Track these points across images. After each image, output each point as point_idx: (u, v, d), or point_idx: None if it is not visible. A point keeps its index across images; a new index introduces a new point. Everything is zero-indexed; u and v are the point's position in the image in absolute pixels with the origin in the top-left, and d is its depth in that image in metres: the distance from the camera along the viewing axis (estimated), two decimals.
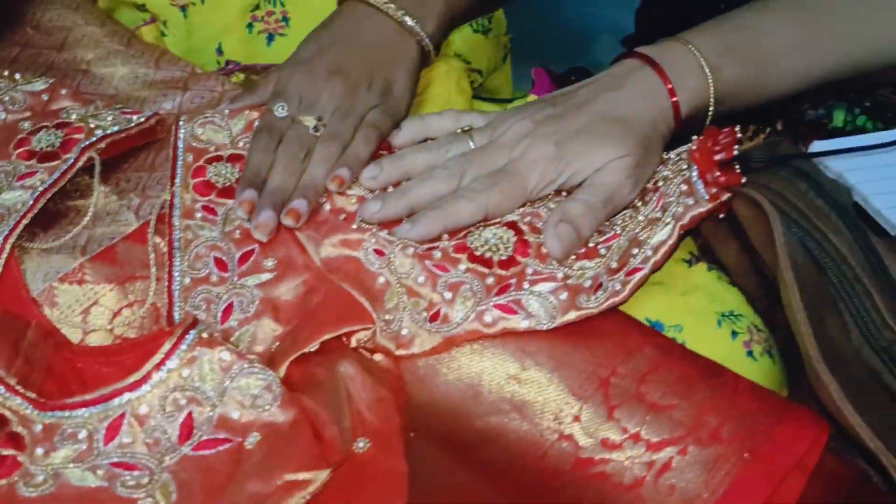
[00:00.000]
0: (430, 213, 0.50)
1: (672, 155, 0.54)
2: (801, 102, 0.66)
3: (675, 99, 0.53)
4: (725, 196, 0.47)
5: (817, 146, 0.57)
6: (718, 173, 0.47)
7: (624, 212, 0.52)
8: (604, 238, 0.49)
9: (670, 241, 0.46)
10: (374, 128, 0.56)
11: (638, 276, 0.46)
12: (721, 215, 0.49)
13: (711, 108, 0.54)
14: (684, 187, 0.48)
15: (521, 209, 0.52)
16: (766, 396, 0.43)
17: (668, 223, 0.47)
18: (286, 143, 0.55)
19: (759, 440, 0.41)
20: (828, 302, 0.43)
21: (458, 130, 0.56)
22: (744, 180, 0.47)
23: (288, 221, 0.52)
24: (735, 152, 0.49)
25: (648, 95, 0.53)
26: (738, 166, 0.49)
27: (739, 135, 0.51)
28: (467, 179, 0.52)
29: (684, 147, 0.53)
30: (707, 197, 0.47)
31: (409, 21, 0.59)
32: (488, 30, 0.80)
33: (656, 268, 0.46)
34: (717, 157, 0.49)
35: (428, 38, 0.60)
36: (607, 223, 0.51)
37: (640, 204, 0.52)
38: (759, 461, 0.40)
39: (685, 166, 0.50)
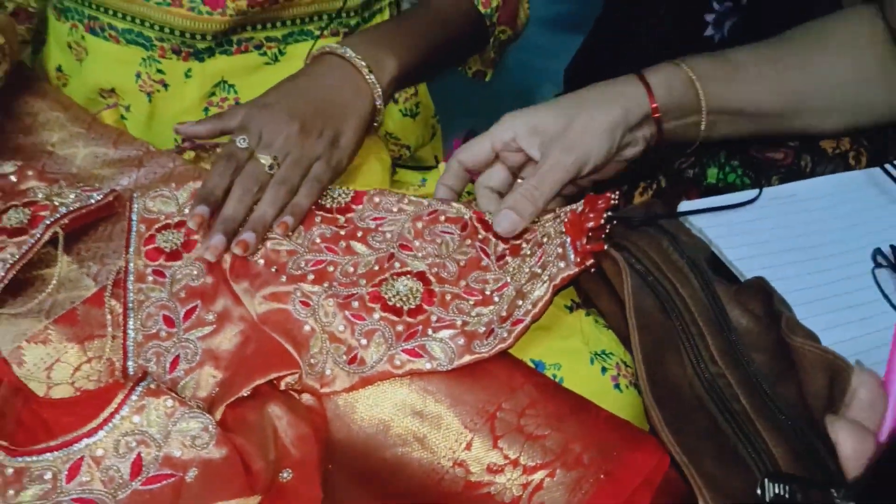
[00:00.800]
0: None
1: (561, 214, 0.63)
2: (680, 162, 0.76)
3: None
4: (589, 262, 0.56)
5: (683, 206, 0.67)
6: (586, 243, 0.56)
7: (515, 260, 0.61)
8: (498, 286, 0.58)
9: (546, 297, 0.55)
10: (318, 181, 0.65)
11: (520, 326, 0.55)
12: (593, 270, 0.58)
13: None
14: (560, 250, 0.57)
15: (430, 259, 0.61)
16: (621, 426, 0.52)
17: (544, 281, 0.56)
18: (243, 177, 0.64)
19: (613, 464, 0.49)
20: (671, 342, 0.52)
21: None
22: (606, 247, 0.56)
23: (237, 250, 0.60)
24: (604, 219, 0.58)
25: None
26: (610, 226, 0.59)
27: (615, 201, 0.60)
28: None
29: (570, 207, 0.63)
30: (575, 262, 0.55)
31: (371, 77, 0.69)
32: (416, 114, 0.91)
33: (535, 319, 0.55)
34: (589, 225, 0.58)
35: (381, 94, 0.70)
36: (501, 272, 0.60)
37: (528, 253, 0.61)
38: (612, 481, 0.49)
39: (563, 229, 0.59)
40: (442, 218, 0.64)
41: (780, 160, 0.73)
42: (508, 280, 0.58)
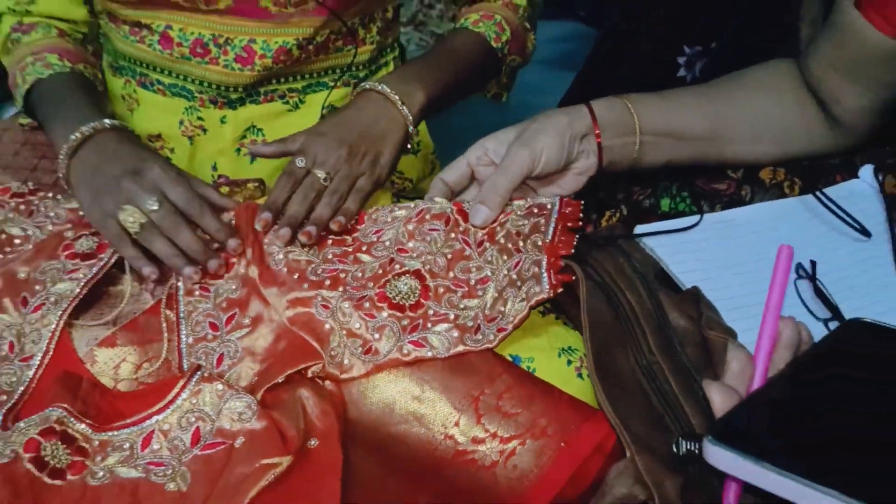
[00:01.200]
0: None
1: (531, 202, 0.76)
2: (639, 194, 0.89)
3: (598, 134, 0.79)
4: (560, 289, 0.68)
5: (638, 229, 0.80)
6: (558, 272, 0.69)
7: (492, 248, 0.73)
8: (481, 277, 0.72)
9: (524, 313, 0.68)
10: (362, 191, 0.81)
11: (504, 333, 0.68)
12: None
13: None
14: (535, 269, 0.70)
15: (423, 258, 0.74)
16: (579, 406, 0.64)
17: (522, 300, 0.69)
18: (303, 187, 0.79)
19: (571, 435, 0.62)
20: (619, 337, 0.65)
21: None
22: (574, 278, 0.69)
23: (303, 239, 0.76)
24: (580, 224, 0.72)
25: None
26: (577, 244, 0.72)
27: (583, 207, 0.75)
28: None
29: (546, 201, 0.76)
30: (548, 288, 0.68)
31: (404, 108, 0.84)
32: (417, 151, 1.05)
33: (516, 327, 0.68)
34: (562, 252, 0.70)
35: (412, 122, 0.85)
36: (481, 259, 0.73)
37: (510, 248, 0.73)
38: (569, 448, 0.61)
39: (539, 242, 0.72)
40: (428, 216, 0.77)
41: (723, 190, 0.87)
42: (489, 274, 0.72)
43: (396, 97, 0.84)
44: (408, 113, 0.84)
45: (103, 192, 0.76)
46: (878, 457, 0.44)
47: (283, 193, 0.78)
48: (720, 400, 0.48)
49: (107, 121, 0.80)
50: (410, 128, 0.85)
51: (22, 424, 0.60)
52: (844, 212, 0.82)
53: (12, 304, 0.72)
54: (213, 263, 0.75)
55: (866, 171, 0.87)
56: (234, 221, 0.80)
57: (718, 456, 0.45)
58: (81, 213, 0.82)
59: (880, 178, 0.84)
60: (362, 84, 0.87)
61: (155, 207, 0.75)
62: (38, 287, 0.74)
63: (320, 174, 0.80)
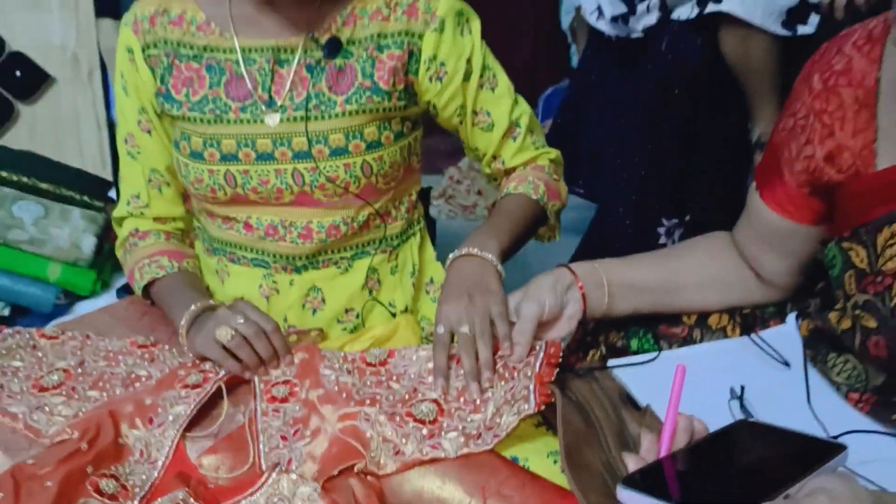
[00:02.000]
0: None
1: (537, 346, 1.00)
2: (615, 337, 1.14)
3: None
4: (543, 407, 0.92)
5: (610, 363, 1.04)
6: (543, 395, 0.93)
7: (495, 380, 0.97)
8: (484, 397, 0.95)
9: (514, 423, 0.91)
10: (500, 316, 1.00)
11: (498, 438, 0.91)
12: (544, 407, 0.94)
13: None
14: (525, 392, 0.94)
15: (439, 389, 0.98)
16: (559, 490, 0.86)
17: (514, 414, 0.92)
18: (462, 348, 0.97)
19: None
20: (588, 440, 0.87)
21: None
22: (553, 399, 0.92)
23: (486, 385, 0.96)
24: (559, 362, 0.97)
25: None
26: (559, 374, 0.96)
27: (563, 349, 0.99)
28: None
29: (536, 343, 1.00)
30: (535, 405, 0.92)
31: (494, 261, 1.09)
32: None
33: (509, 434, 0.91)
34: (546, 379, 0.95)
35: (499, 266, 1.09)
36: (488, 387, 0.96)
37: (507, 377, 0.97)
38: None
39: (529, 372, 0.96)
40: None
41: (678, 333, 1.11)
42: (490, 395, 0.95)
43: (478, 251, 1.09)
44: (492, 258, 1.09)
45: (206, 326, 1.08)
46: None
47: (443, 358, 1.00)
48: (633, 465, 0.71)
49: (209, 301, 1.15)
50: (499, 267, 1.09)
51: (157, 502, 0.85)
52: (772, 348, 1.05)
53: (142, 422, 0.98)
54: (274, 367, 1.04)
55: (791, 316, 1.11)
56: (299, 358, 1.06)
57: (624, 495, 0.68)
58: (190, 356, 1.09)
59: (799, 322, 1.08)
60: (454, 252, 1.12)
61: (241, 321, 1.05)
62: (160, 410, 0.99)
63: (464, 330, 1.00)
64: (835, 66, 0.95)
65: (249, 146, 1.15)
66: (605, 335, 1.15)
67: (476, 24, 1.19)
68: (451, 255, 1.12)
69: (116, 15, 2.45)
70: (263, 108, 1.15)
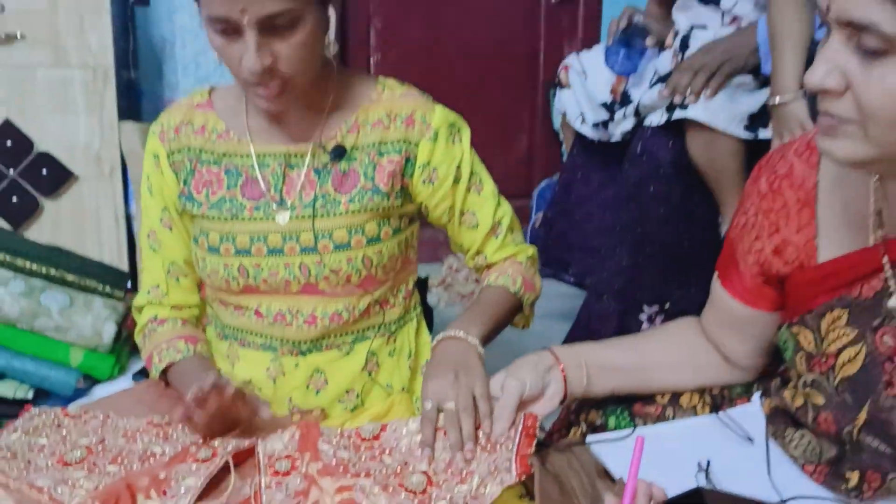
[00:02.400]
0: None
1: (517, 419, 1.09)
2: (596, 415, 1.23)
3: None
4: (524, 477, 1.01)
5: (589, 439, 1.13)
6: (523, 467, 1.02)
7: (479, 453, 1.06)
8: (470, 468, 1.04)
9: (497, 493, 1.00)
10: (483, 396, 1.10)
11: None
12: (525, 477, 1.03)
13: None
14: (507, 464, 1.03)
15: (431, 465, 1.07)
16: None
17: (498, 484, 1.01)
18: (447, 424, 1.06)
19: None
20: None
21: None
22: (532, 470, 1.02)
23: (468, 456, 1.05)
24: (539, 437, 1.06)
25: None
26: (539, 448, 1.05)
27: (540, 423, 1.08)
28: None
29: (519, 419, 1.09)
30: (516, 476, 1.01)
31: (477, 344, 1.20)
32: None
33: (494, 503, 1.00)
34: (526, 452, 1.04)
35: (480, 348, 1.19)
36: (471, 458, 1.05)
37: (490, 449, 1.06)
38: None
39: (511, 446, 1.05)
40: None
41: (652, 412, 1.20)
42: (474, 468, 1.04)
43: (462, 333, 1.20)
44: (475, 341, 1.20)
45: None
46: None
47: (430, 431, 1.09)
48: None
49: None
50: (480, 349, 1.20)
51: None
52: (737, 425, 1.15)
53: (156, 493, 1.07)
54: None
55: (756, 395, 1.20)
56: (299, 433, 1.15)
57: None
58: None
59: (763, 400, 1.18)
60: (440, 334, 1.23)
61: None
62: (173, 482, 1.08)
63: (450, 405, 1.09)
64: (779, 170, 1.08)
65: (262, 241, 1.28)
66: (585, 414, 1.25)
67: (466, 134, 1.33)
68: (437, 337, 1.23)
69: (137, 118, 2.63)
70: (275, 206, 1.28)
